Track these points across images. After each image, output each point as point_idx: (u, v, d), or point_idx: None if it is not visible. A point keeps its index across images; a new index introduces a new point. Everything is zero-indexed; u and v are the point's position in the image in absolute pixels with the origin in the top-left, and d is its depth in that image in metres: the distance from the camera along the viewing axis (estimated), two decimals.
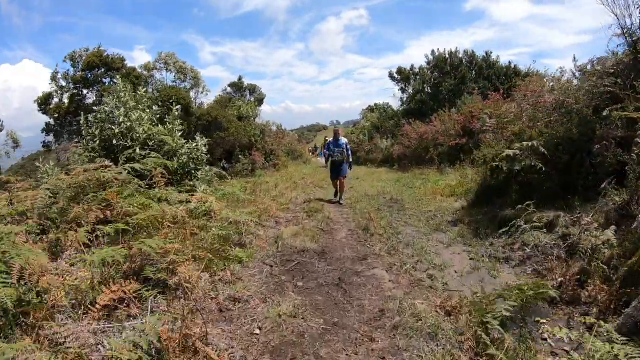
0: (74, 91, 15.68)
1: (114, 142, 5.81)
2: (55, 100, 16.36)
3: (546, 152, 5.07)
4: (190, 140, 6.58)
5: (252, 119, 16.28)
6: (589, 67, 5.80)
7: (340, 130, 8.49)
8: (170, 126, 6.48)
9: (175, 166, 6.06)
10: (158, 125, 6.29)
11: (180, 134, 6.31)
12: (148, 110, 6.35)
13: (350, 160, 8.37)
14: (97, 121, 6.03)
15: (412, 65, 22.94)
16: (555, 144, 5.21)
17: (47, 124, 17.35)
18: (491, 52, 19.91)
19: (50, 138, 17.67)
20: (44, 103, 16.40)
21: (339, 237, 5.56)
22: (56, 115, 16.78)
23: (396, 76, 23.28)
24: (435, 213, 6.83)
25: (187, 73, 13.66)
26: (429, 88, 20.55)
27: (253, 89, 28.55)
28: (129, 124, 5.82)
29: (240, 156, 13.93)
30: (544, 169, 5.05)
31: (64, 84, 15.97)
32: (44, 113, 16.71)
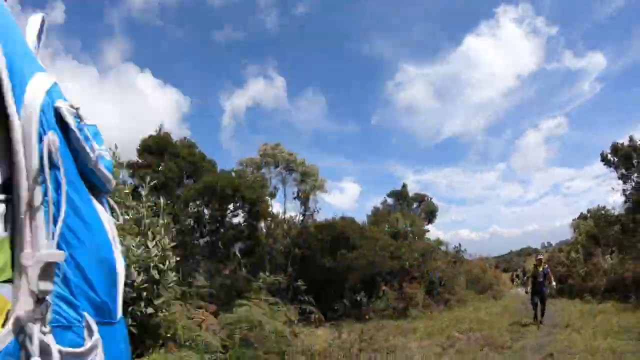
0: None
1: None
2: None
3: None
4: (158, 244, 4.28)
5: (415, 237, 12.82)
6: None
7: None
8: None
9: None
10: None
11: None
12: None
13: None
14: None
15: (631, 137, 14.78)
16: None
17: None
18: None
19: None
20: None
21: None
22: None
23: (611, 158, 15.82)
24: None
25: (296, 168, 10.27)
26: None
27: (421, 200, 23.33)
28: None
29: (383, 288, 10.16)
30: None
31: None
32: None
